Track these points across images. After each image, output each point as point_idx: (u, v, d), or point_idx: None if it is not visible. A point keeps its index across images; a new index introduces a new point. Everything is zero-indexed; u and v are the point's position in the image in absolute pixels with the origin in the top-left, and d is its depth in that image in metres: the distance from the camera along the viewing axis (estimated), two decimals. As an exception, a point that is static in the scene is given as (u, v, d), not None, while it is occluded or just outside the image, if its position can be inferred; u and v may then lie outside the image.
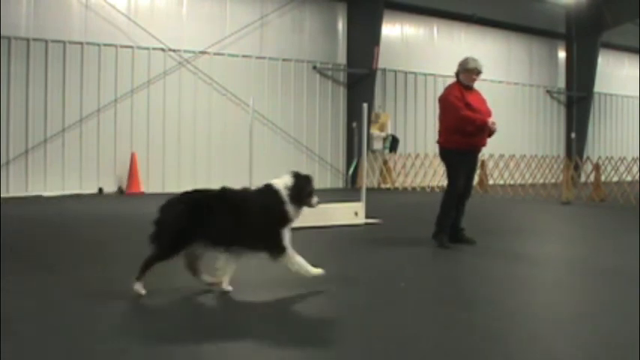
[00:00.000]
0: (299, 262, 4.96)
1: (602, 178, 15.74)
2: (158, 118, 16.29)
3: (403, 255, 7.11)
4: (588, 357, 3.66)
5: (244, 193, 4.99)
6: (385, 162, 19.31)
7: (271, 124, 17.67)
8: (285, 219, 4.86)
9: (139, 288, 4.77)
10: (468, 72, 7.56)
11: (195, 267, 4.99)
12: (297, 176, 4.96)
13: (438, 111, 7.91)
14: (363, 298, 5.01)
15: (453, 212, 7.57)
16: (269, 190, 4.88)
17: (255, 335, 3.95)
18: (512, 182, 17.56)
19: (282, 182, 4.90)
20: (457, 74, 7.67)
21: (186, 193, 5.00)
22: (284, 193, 4.85)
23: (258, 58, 17.71)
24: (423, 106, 20.65)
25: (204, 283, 4.99)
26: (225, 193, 4.92)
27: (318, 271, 5.03)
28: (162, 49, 16.20)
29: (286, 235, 4.90)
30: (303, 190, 4.92)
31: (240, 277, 5.13)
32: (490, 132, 7.54)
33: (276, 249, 4.87)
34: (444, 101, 7.59)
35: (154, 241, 4.88)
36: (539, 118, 24.22)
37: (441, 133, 7.75)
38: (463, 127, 7.37)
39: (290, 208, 4.86)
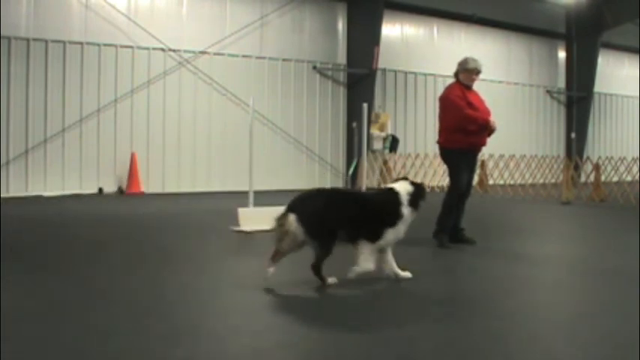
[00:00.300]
0: (369, 258, 5.32)
1: (602, 178, 15.74)
2: (158, 118, 16.29)
3: (403, 255, 7.10)
4: (588, 357, 3.66)
5: (369, 193, 5.67)
6: (385, 162, 19.30)
7: (271, 124, 17.67)
8: (399, 218, 5.39)
9: (332, 280, 5.25)
10: (468, 72, 7.57)
11: (320, 270, 5.25)
12: (414, 184, 5.57)
13: (438, 111, 7.91)
14: (362, 298, 5.01)
15: (454, 212, 7.57)
16: (391, 194, 5.46)
17: (249, 334, 3.94)
18: (512, 182, 17.56)
19: (403, 188, 5.49)
20: (456, 74, 7.68)
21: (319, 190, 5.66)
22: (404, 198, 5.42)
23: (258, 58, 17.71)
24: (423, 106, 20.65)
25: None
26: (351, 192, 5.57)
27: (368, 266, 5.30)
28: (163, 49, 16.20)
29: (391, 235, 5.38)
30: (419, 196, 5.53)
31: (233, 279, 5.13)
32: (490, 131, 7.55)
33: (374, 238, 5.30)
34: (446, 100, 7.59)
35: (316, 239, 5.15)
36: (539, 118, 24.21)
37: (441, 132, 7.75)
38: (465, 126, 7.38)
39: (406, 210, 5.43)
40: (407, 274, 5.51)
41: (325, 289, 5.14)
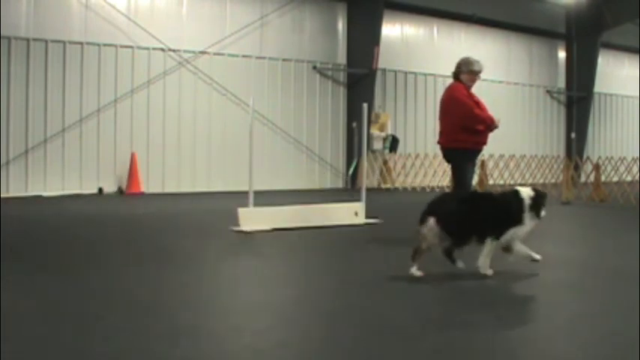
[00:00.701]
0: (487, 257, 5.78)
1: (602, 178, 15.74)
2: (158, 118, 16.29)
3: (403, 255, 7.10)
4: (588, 357, 3.66)
5: (495, 194, 6.20)
6: (385, 162, 19.32)
7: (271, 124, 17.67)
8: (520, 220, 5.76)
9: (461, 265, 5.73)
10: (472, 73, 7.54)
11: (452, 255, 5.80)
12: (536, 190, 5.94)
13: (438, 111, 7.87)
14: (363, 298, 5.01)
15: None
16: (516, 196, 5.83)
17: (249, 334, 3.94)
18: (512, 182, 17.55)
19: (526, 192, 5.85)
20: (457, 74, 7.62)
21: (454, 193, 6.28)
22: (526, 202, 5.75)
23: (258, 58, 17.71)
24: (423, 106, 20.66)
25: (460, 268, 5.78)
26: (480, 194, 6.13)
27: (489, 271, 5.77)
28: (162, 49, 16.21)
29: (512, 233, 5.75)
30: (540, 202, 5.84)
31: (248, 276, 5.13)
32: (492, 128, 7.56)
33: (498, 236, 5.73)
34: (454, 100, 7.49)
35: (452, 237, 5.64)
36: (539, 118, 24.22)
37: (442, 133, 7.70)
38: (474, 126, 7.36)
39: (527, 213, 5.76)
40: (489, 272, 5.77)
41: (324, 288, 5.13)
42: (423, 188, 18.17)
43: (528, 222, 5.79)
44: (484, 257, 5.75)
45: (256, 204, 9.14)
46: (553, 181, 18.29)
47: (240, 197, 10.63)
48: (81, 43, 15.35)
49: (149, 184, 16.00)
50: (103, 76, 15.60)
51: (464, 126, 7.39)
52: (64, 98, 15.16)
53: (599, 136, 26.10)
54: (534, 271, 6.01)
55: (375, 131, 19.09)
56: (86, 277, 5.66)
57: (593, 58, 24.36)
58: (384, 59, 19.19)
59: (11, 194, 14.20)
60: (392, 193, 17.44)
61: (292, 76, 18.31)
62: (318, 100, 18.75)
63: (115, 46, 15.75)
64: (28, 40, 14.76)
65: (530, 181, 17.72)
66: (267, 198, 11.31)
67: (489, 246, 5.73)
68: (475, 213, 5.70)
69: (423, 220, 5.63)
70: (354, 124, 17.99)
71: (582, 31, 23.95)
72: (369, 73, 18.68)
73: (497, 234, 5.71)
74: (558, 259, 7.13)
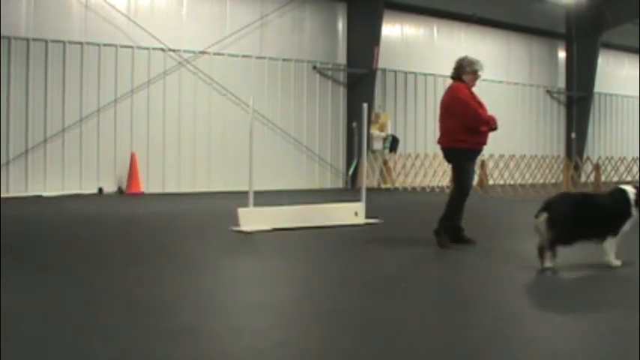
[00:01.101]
0: (611, 250, 6.21)
1: (602, 178, 15.75)
2: (158, 118, 16.29)
3: (403, 255, 7.11)
4: (588, 357, 3.66)
5: (604, 195, 6.65)
6: (385, 162, 19.31)
7: (271, 124, 17.67)
8: (628, 215, 6.18)
9: (548, 263, 5.95)
10: (474, 74, 7.52)
11: (544, 255, 6.04)
12: (638, 188, 6.34)
13: (439, 111, 7.85)
14: (363, 298, 5.01)
15: (460, 213, 7.53)
16: (623, 193, 6.26)
17: (249, 334, 3.94)
18: (512, 182, 17.56)
19: (631, 190, 6.28)
20: (459, 75, 7.58)
21: (568, 194, 6.70)
22: (632, 198, 6.18)
23: (258, 58, 17.71)
24: (423, 106, 20.64)
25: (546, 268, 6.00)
26: (590, 195, 6.51)
27: (617, 262, 6.18)
28: (162, 49, 16.20)
29: (625, 227, 6.19)
30: None
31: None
32: (492, 129, 7.57)
33: (611, 234, 6.15)
34: (457, 101, 7.45)
35: (554, 226, 5.98)
36: (539, 118, 24.20)
37: (444, 134, 7.67)
38: (478, 127, 7.35)
39: (633, 209, 6.19)
40: (618, 263, 6.14)
41: (325, 289, 5.13)
42: (423, 188, 18.16)
43: (635, 216, 6.15)
44: (610, 253, 6.11)
45: (256, 204, 9.15)
46: (553, 181, 18.29)
47: (240, 197, 10.63)
48: (81, 43, 15.34)
49: (149, 184, 15.99)
50: (103, 76, 15.58)
51: (467, 126, 7.37)
52: (64, 98, 15.15)
53: (599, 136, 26.08)
54: (534, 272, 6.01)
55: (375, 131, 19.09)
56: (86, 277, 5.66)
57: (593, 58, 24.34)
58: (384, 59, 19.18)
59: (11, 194, 14.19)
60: (392, 193, 17.44)
61: (292, 76, 18.31)
62: (318, 100, 18.74)
63: (115, 46, 15.74)
64: (28, 40, 14.76)
65: (530, 181, 17.72)
66: (267, 198, 11.31)
67: (611, 242, 6.11)
68: (590, 213, 6.05)
69: (537, 216, 6.02)
70: (354, 124, 17.99)
71: (582, 31, 23.93)
72: (369, 73, 18.67)
73: (614, 230, 6.08)
74: (558, 258, 7.12)
